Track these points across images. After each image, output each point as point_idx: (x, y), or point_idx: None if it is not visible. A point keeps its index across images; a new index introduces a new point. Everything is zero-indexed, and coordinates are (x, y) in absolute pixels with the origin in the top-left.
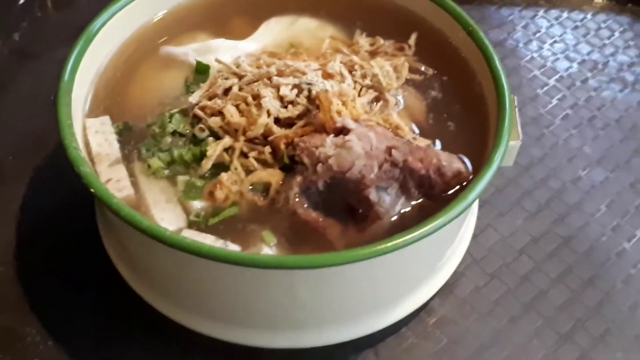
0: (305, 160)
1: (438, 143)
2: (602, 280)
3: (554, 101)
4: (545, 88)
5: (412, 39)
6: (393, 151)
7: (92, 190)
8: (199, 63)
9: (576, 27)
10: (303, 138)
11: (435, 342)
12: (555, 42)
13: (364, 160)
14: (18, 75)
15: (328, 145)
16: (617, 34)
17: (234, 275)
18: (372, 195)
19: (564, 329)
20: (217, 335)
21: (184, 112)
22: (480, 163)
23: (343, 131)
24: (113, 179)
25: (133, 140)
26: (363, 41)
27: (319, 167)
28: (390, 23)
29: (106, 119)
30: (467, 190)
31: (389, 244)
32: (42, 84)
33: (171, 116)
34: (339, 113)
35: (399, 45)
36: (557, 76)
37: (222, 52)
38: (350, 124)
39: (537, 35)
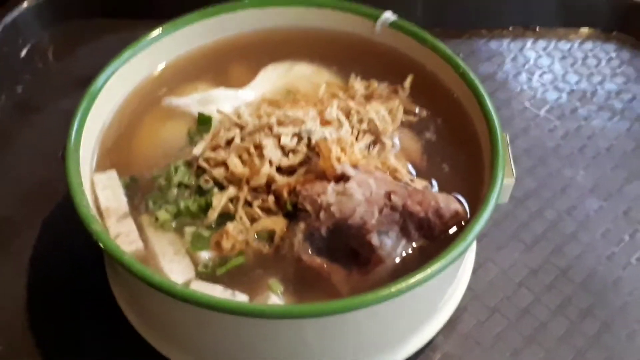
0: (308, 207)
1: (435, 183)
2: (599, 309)
3: (546, 132)
4: (536, 119)
5: (407, 82)
6: (392, 196)
7: (103, 247)
8: (200, 115)
9: (564, 57)
10: (305, 186)
11: None
12: (544, 72)
13: (364, 206)
14: (23, 128)
15: (329, 192)
16: (603, 62)
17: (242, 324)
18: (374, 239)
19: None
20: None
21: (188, 164)
22: (476, 201)
23: (343, 178)
24: (122, 233)
25: (140, 192)
26: (358, 85)
27: (322, 214)
28: (383, 66)
29: (113, 173)
30: (466, 232)
31: (393, 289)
32: (47, 135)
33: (176, 168)
34: (338, 159)
35: (393, 87)
36: (547, 107)
37: (223, 101)
38: (350, 171)
39: (526, 66)
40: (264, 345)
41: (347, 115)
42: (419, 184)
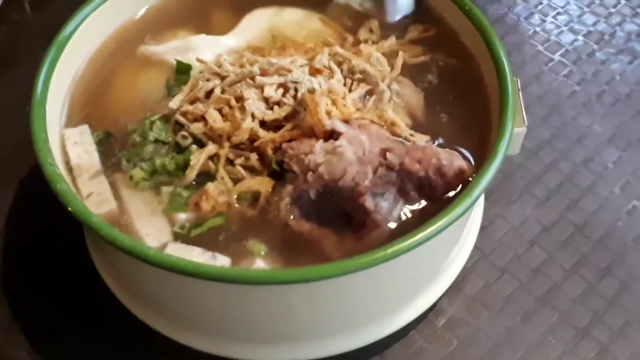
0: (295, 168)
1: (438, 138)
2: (619, 268)
3: (560, 78)
4: (550, 64)
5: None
6: (388, 154)
7: (69, 209)
8: (179, 63)
9: None
10: (291, 144)
11: (445, 344)
12: (558, 14)
13: (356, 166)
14: None
15: (317, 151)
16: (623, 1)
17: (224, 291)
18: (368, 202)
19: (581, 324)
20: (213, 351)
21: (165, 118)
22: (483, 155)
23: (333, 135)
24: (94, 193)
25: (114, 149)
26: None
27: (310, 175)
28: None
29: (85, 128)
30: (471, 186)
31: (389, 251)
32: (22, 90)
33: (152, 123)
34: (328, 113)
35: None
36: (562, 51)
37: (204, 49)
38: (340, 127)
39: (539, 7)
40: (248, 312)
41: (340, 63)
42: (420, 139)
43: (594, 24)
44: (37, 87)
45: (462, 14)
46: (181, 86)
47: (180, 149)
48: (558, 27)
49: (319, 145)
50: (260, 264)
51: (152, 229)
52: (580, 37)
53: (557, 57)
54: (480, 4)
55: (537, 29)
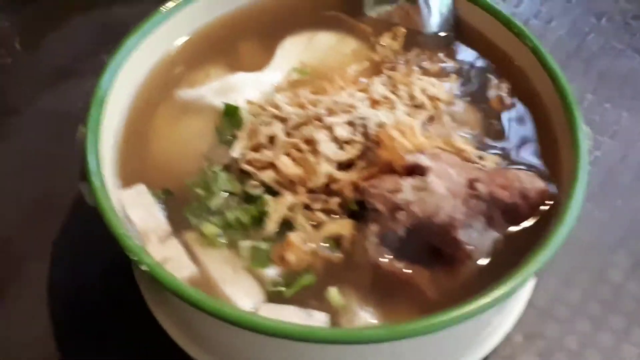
0: (379, 207)
1: (505, 158)
2: None
3: None
4: None
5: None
6: (477, 184)
7: (165, 285)
8: (227, 106)
9: None
10: (372, 182)
11: None
12: None
13: (450, 200)
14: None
15: (406, 189)
16: None
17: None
18: (461, 235)
19: None
20: None
21: (227, 168)
22: (556, 173)
23: (416, 169)
24: (170, 258)
25: (177, 207)
26: (387, 40)
27: (401, 214)
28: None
29: (142, 187)
30: (562, 215)
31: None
32: (31, 140)
33: (215, 174)
34: (406, 148)
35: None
36: None
37: (246, 88)
38: (425, 161)
39: None
40: None
41: (394, 89)
42: (490, 160)
43: None
44: (88, 150)
45: (504, 27)
46: (232, 131)
47: (249, 199)
48: None
49: (407, 182)
50: (363, 315)
51: (241, 290)
52: None
53: None
54: None
55: None
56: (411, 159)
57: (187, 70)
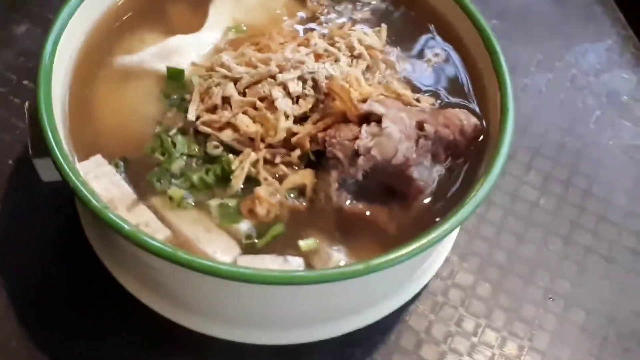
0: (339, 154)
1: (438, 98)
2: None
3: None
4: None
5: None
6: (425, 125)
7: (148, 249)
8: (170, 69)
9: None
10: (329, 132)
11: None
12: None
13: (405, 143)
14: None
15: (364, 136)
16: None
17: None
18: (415, 173)
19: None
20: (227, 337)
21: (182, 131)
22: (483, 106)
23: (369, 117)
24: (140, 224)
25: (137, 173)
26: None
27: (360, 159)
28: None
29: (99, 158)
30: (495, 154)
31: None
32: None
33: (172, 138)
34: (359, 99)
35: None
36: None
37: (185, 51)
38: (379, 109)
39: None
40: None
41: (332, 42)
42: (426, 102)
43: None
44: (47, 130)
45: None
46: (180, 94)
47: (210, 159)
48: None
49: (364, 129)
50: (336, 256)
51: (217, 247)
52: None
53: None
54: None
55: None
56: (366, 107)
57: (120, 37)
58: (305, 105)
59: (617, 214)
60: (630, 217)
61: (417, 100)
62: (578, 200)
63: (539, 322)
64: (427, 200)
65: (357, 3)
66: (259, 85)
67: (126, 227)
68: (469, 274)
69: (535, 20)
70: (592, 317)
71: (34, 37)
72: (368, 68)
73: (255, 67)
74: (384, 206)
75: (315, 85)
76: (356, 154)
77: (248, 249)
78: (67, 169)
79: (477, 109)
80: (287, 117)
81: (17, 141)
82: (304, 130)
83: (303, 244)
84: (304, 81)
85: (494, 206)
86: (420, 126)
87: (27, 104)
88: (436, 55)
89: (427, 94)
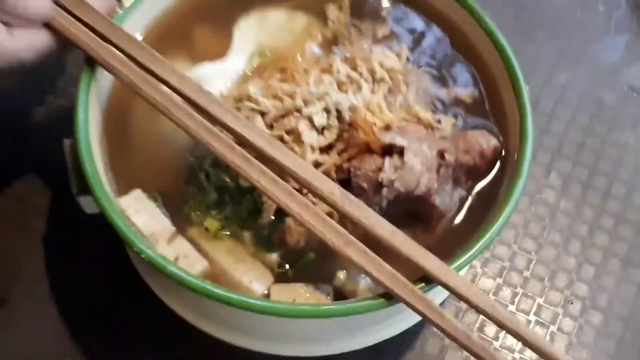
0: (365, 185)
1: (458, 117)
2: None
3: None
4: None
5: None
6: (446, 154)
7: (191, 288)
8: None
9: None
10: (354, 164)
11: None
12: None
13: (426, 175)
14: None
15: (387, 169)
16: None
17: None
18: (437, 200)
19: None
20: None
21: (215, 163)
22: (502, 124)
23: (392, 148)
24: (180, 256)
25: (174, 206)
26: (333, 12)
27: (385, 190)
28: None
29: (138, 192)
30: (516, 179)
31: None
32: None
33: (206, 171)
34: (380, 128)
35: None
36: None
37: (213, 80)
38: (400, 141)
39: None
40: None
41: (354, 67)
42: (447, 122)
43: None
44: (86, 166)
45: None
46: None
47: (242, 190)
48: None
49: (387, 162)
50: (363, 283)
51: (253, 276)
52: None
53: None
54: None
55: None
56: (388, 139)
57: None
58: (330, 137)
59: (637, 214)
60: None
61: (439, 121)
62: (597, 201)
63: (559, 325)
64: (449, 222)
65: (378, 20)
66: (286, 119)
67: (168, 267)
68: (490, 279)
69: (554, 14)
70: (609, 319)
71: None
72: (390, 91)
73: (281, 99)
74: (408, 230)
75: (339, 116)
76: (380, 184)
77: (280, 277)
78: (111, 213)
79: (495, 129)
80: (312, 149)
81: None
82: (329, 161)
83: (336, 282)
84: (328, 112)
85: (515, 211)
86: (441, 155)
87: (67, 142)
88: (456, 72)
89: (448, 113)
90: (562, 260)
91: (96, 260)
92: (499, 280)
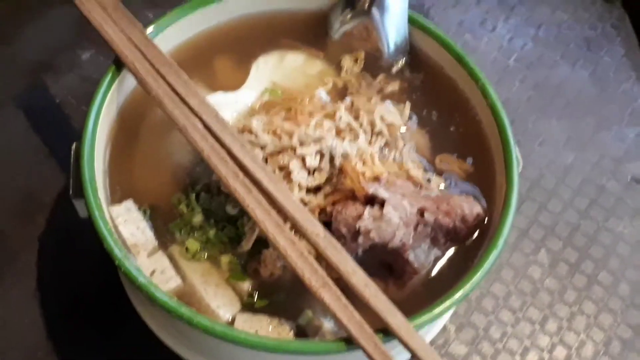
0: (343, 230)
1: (449, 179)
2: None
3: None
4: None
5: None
6: (425, 213)
7: (158, 303)
8: None
9: None
10: (337, 208)
11: None
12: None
13: (403, 229)
14: None
15: (366, 218)
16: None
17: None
18: (411, 256)
19: None
20: None
21: (207, 187)
22: (490, 193)
23: (375, 198)
24: (157, 271)
25: (162, 221)
26: (348, 63)
27: (360, 238)
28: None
29: (130, 203)
30: (493, 243)
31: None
32: (8, 136)
33: (197, 194)
34: (366, 178)
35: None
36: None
37: (224, 108)
38: (382, 193)
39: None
40: None
41: (356, 117)
42: (436, 183)
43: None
44: (84, 168)
45: (457, 62)
46: None
47: (228, 218)
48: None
49: (367, 211)
50: (327, 326)
51: (221, 301)
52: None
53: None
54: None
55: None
56: (371, 190)
57: None
58: (319, 178)
59: (620, 304)
60: (631, 309)
61: (428, 180)
62: (582, 285)
63: None
64: (423, 278)
65: (390, 76)
66: (280, 155)
67: (139, 279)
68: (462, 345)
69: (570, 97)
70: None
71: (98, 63)
72: (386, 144)
73: (280, 137)
74: (381, 281)
75: (332, 160)
76: (357, 232)
77: (248, 306)
78: (97, 219)
79: (483, 201)
80: (300, 188)
81: None
82: (314, 202)
83: (300, 320)
84: (322, 155)
85: (498, 282)
86: (421, 213)
87: (74, 145)
88: (456, 135)
89: (439, 175)
90: (537, 338)
91: (85, 263)
92: (471, 348)
